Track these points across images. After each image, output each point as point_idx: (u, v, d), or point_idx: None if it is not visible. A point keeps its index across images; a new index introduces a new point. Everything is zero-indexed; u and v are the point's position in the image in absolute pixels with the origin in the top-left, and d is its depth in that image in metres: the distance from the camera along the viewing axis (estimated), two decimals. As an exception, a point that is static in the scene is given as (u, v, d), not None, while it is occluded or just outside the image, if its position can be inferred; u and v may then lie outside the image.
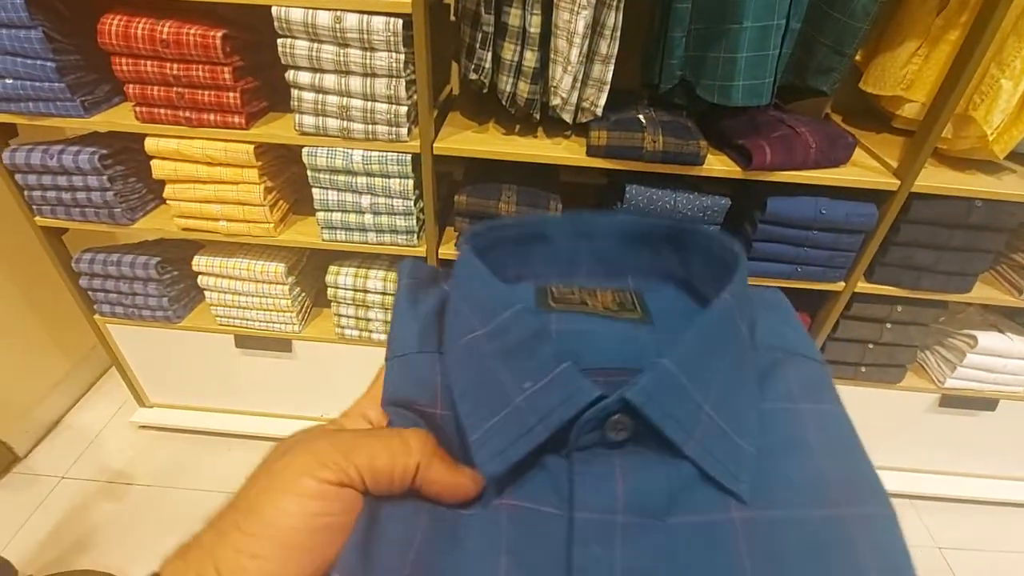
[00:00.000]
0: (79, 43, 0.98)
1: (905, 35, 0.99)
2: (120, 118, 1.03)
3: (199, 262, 1.22)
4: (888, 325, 1.22)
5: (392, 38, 0.89)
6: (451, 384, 0.27)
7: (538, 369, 0.25)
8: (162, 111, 1.00)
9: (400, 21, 0.88)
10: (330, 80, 0.95)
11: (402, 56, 0.91)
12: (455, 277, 0.29)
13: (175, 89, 0.97)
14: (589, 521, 0.23)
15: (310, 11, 0.87)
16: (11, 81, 0.97)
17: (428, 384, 0.27)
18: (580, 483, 0.24)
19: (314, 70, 0.94)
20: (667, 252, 0.32)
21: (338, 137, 1.01)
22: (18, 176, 1.09)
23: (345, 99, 0.96)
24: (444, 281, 0.32)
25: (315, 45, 0.91)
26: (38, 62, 0.95)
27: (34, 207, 1.14)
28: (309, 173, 1.06)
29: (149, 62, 0.94)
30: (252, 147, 1.03)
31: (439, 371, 0.28)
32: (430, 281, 0.32)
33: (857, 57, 1.07)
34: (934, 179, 1.01)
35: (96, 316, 1.32)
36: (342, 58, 0.92)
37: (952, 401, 1.32)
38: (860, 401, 1.33)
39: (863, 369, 1.28)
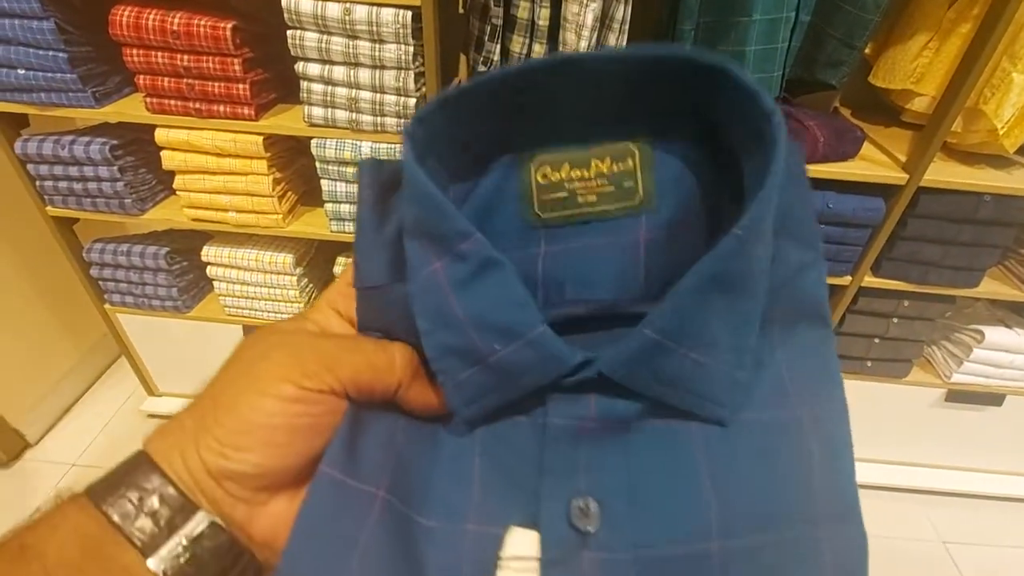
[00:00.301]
0: (90, 34, 0.98)
1: (916, 28, 0.98)
2: (131, 109, 1.04)
3: (208, 252, 1.23)
4: (895, 320, 1.21)
5: (401, 30, 0.89)
6: (415, 318, 0.24)
7: (507, 330, 0.23)
8: (172, 102, 1.01)
9: (409, 13, 0.88)
10: (339, 72, 0.95)
11: (411, 48, 0.91)
12: (403, 187, 0.24)
13: (185, 80, 0.97)
14: (560, 425, 0.24)
15: (320, 3, 0.88)
16: (23, 71, 0.98)
17: (403, 314, 0.25)
18: (554, 403, 0.24)
19: (323, 62, 0.95)
20: (688, 96, 0.24)
21: (347, 129, 1.01)
22: (30, 166, 1.10)
23: (354, 91, 0.97)
24: None
25: (325, 37, 0.92)
26: (50, 53, 0.95)
27: (45, 197, 1.15)
28: (318, 164, 1.07)
29: (160, 53, 0.95)
30: (261, 138, 1.03)
31: None
32: (396, 186, 0.27)
33: (866, 50, 1.06)
34: (943, 173, 1.00)
35: (106, 306, 1.33)
36: (351, 50, 0.92)
37: (958, 396, 1.32)
38: (866, 396, 1.33)
39: (869, 364, 1.28)
